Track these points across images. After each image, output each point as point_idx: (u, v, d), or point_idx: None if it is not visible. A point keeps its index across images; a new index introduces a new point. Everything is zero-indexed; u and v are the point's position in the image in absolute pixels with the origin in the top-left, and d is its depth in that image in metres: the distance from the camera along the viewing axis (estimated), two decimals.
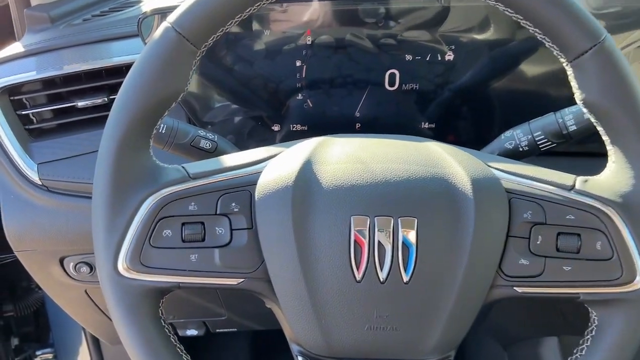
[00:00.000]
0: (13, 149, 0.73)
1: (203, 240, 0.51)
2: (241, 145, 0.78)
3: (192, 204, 0.50)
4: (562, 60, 0.50)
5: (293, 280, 0.50)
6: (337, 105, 0.76)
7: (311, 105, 0.76)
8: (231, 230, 0.51)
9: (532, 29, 0.50)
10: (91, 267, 0.82)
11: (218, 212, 0.51)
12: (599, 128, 0.51)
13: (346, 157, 0.53)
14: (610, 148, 0.51)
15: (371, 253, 0.49)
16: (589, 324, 0.52)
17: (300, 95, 0.76)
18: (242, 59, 0.73)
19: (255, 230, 0.51)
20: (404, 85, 0.75)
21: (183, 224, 0.50)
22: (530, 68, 0.74)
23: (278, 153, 0.55)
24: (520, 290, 0.51)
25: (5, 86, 0.72)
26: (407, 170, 0.51)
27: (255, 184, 0.51)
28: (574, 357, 0.52)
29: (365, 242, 0.49)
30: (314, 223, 0.49)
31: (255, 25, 0.71)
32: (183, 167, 0.52)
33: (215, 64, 0.74)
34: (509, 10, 0.49)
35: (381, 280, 0.49)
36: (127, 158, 0.49)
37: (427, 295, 0.50)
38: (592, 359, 0.51)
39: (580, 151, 0.74)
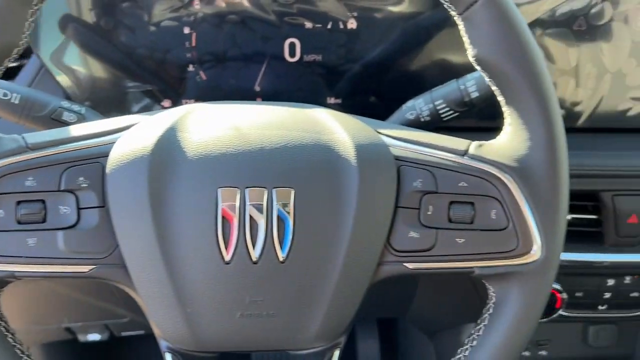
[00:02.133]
0: None
1: (44, 221, 0.43)
2: None
3: (30, 178, 0.43)
4: (453, 13, 0.46)
5: (151, 263, 0.43)
6: (234, 78, 0.70)
7: (204, 77, 0.70)
8: (78, 209, 0.44)
9: None
10: None
11: (62, 188, 0.43)
12: (494, 88, 0.47)
13: (218, 124, 0.47)
14: (505, 109, 0.47)
15: (241, 229, 0.43)
16: (487, 302, 0.48)
17: (191, 66, 0.69)
18: (123, 25, 0.66)
19: (108, 209, 0.44)
20: (305, 55, 0.69)
21: (18, 202, 0.43)
22: (442, 39, 0.70)
23: (138, 122, 0.48)
24: (411, 267, 0.46)
25: None
26: (286, 136, 0.46)
27: (108, 155, 0.44)
28: (471, 337, 0.48)
29: (235, 216, 0.43)
30: (175, 197, 0.43)
31: None
32: (22, 137, 0.45)
33: (93, 32, 0.66)
34: None
35: (253, 259, 0.43)
36: None
37: (307, 274, 0.44)
38: (489, 339, 0.46)
39: (492, 126, 0.71)
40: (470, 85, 0.58)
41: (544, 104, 0.45)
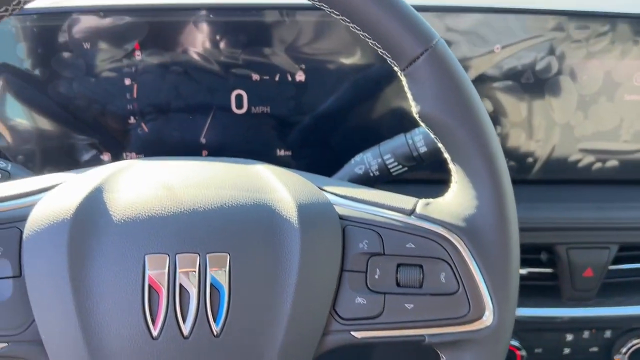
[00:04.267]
0: None
1: None
2: None
3: None
4: (396, 69, 0.45)
5: (70, 342, 0.38)
6: (177, 130, 0.67)
7: (146, 130, 0.66)
8: None
9: (361, 33, 0.44)
10: None
11: None
12: (440, 145, 0.46)
13: (149, 183, 0.43)
14: (452, 166, 0.46)
15: (171, 300, 0.39)
16: None
17: (132, 118, 0.66)
18: (61, 76, 0.63)
19: (24, 279, 0.39)
20: (253, 107, 0.67)
21: None
22: (392, 91, 0.69)
23: (65, 181, 0.44)
24: (358, 336, 0.43)
25: None
26: (222, 196, 0.43)
27: (26, 220, 0.40)
28: None
29: (163, 287, 0.39)
30: (97, 266, 0.39)
31: (73, 35, 0.61)
32: None
33: (27, 81, 0.62)
34: (335, 12, 0.43)
35: (184, 334, 0.39)
36: None
37: (244, 349, 0.40)
38: None
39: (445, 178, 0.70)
40: (419, 140, 0.56)
41: (490, 161, 0.43)
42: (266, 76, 0.66)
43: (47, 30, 0.61)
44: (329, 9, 0.43)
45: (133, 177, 0.44)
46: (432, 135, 0.45)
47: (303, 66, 0.66)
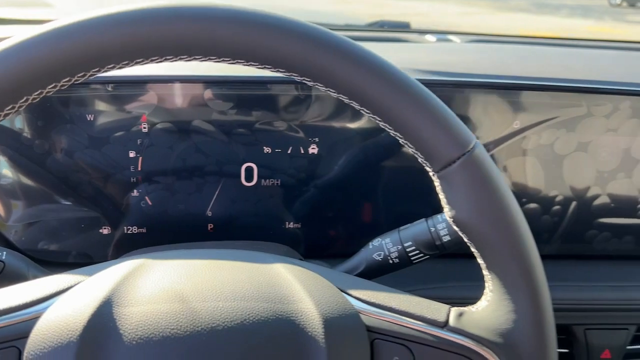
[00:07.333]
0: None
1: None
2: (59, 257, 0.63)
3: None
4: (428, 169, 0.42)
5: None
6: (183, 203, 0.64)
7: (150, 203, 0.63)
8: None
9: (392, 132, 0.41)
10: None
11: None
12: (473, 250, 0.43)
13: (163, 293, 0.40)
14: (486, 274, 0.43)
15: None
16: None
17: (135, 191, 0.62)
18: (59, 147, 0.59)
19: None
20: (263, 180, 0.64)
21: None
22: (405, 161, 0.67)
23: (70, 286, 0.40)
24: None
25: None
26: (242, 310, 0.39)
27: (27, 337, 0.37)
28: None
29: None
30: None
31: (75, 108, 0.58)
32: None
33: (23, 151, 0.59)
34: (365, 109, 0.41)
35: None
36: None
37: None
38: None
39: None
40: (441, 228, 0.54)
41: (529, 274, 0.41)
42: (278, 149, 0.63)
43: (49, 102, 0.57)
44: (359, 107, 0.41)
45: (145, 284, 0.40)
46: (466, 240, 0.43)
47: (316, 139, 0.64)
